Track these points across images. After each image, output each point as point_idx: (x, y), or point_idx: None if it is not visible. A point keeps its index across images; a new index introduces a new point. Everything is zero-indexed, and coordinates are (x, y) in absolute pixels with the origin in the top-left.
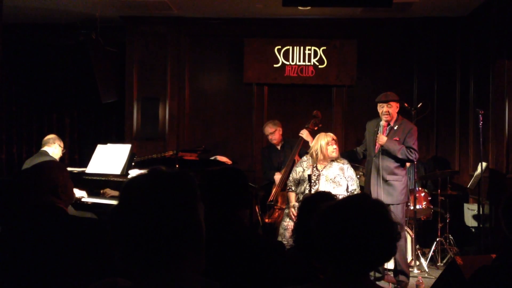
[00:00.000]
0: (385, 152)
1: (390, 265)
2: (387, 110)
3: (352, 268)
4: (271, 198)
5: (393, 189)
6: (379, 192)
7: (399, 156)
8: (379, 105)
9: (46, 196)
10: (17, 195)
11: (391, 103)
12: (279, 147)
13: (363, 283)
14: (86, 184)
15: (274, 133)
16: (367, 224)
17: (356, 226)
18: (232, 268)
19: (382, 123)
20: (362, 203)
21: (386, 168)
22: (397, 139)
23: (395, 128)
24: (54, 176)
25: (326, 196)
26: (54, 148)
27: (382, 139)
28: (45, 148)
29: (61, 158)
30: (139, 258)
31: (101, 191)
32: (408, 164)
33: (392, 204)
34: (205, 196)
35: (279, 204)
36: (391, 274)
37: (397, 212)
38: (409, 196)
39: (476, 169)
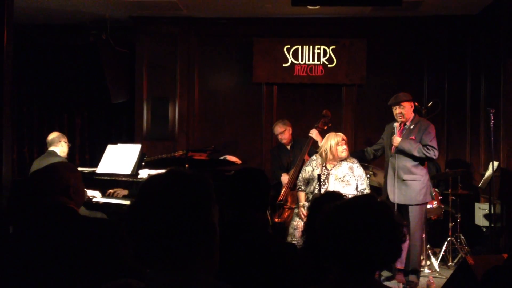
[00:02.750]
0: (401, 151)
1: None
2: (400, 111)
3: (356, 269)
4: (280, 197)
5: (410, 189)
6: (395, 192)
7: (416, 154)
8: (392, 107)
9: (57, 196)
10: (29, 195)
11: (403, 104)
12: (288, 147)
13: (369, 284)
14: (96, 184)
15: (284, 132)
16: (371, 225)
17: (360, 227)
18: (245, 270)
19: (396, 124)
20: (366, 204)
21: (403, 168)
22: (413, 138)
23: (411, 127)
24: (66, 177)
25: (335, 196)
26: (60, 146)
27: (396, 140)
28: (52, 148)
29: (69, 155)
30: (152, 257)
31: (110, 191)
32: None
33: (410, 205)
34: (222, 196)
35: (288, 204)
36: (401, 274)
37: (414, 213)
38: (433, 196)
39: (487, 168)
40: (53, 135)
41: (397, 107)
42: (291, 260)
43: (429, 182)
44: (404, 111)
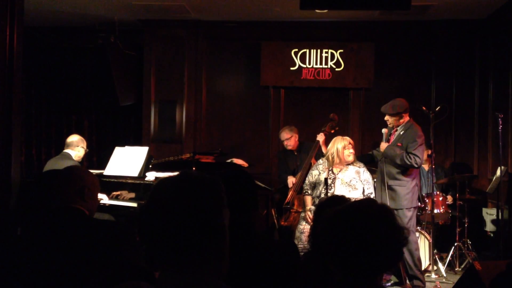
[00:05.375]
0: (387, 158)
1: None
2: (386, 118)
3: (358, 272)
4: (287, 201)
5: (396, 194)
6: (383, 196)
7: (398, 162)
8: None
9: (70, 197)
10: (42, 195)
11: (387, 115)
12: (295, 152)
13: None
14: (104, 186)
15: (290, 139)
16: (372, 229)
17: (360, 231)
18: (246, 273)
19: (384, 130)
20: (367, 208)
21: (389, 174)
22: (400, 144)
23: (401, 133)
24: (83, 179)
25: (340, 200)
26: (77, 151)
27: (382, 146)
28: (67, 150)
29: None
30: (163, 258)
31: (114, 193)
32: (421, 167)
33: (396, 209)
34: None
35: (295, 207)
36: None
37: (401, 218)
38: (421, 202)
39: (495, 173)
40: (72, 138)
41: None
42: (289, 259)
43: (415, 188)
44: (391, 120)
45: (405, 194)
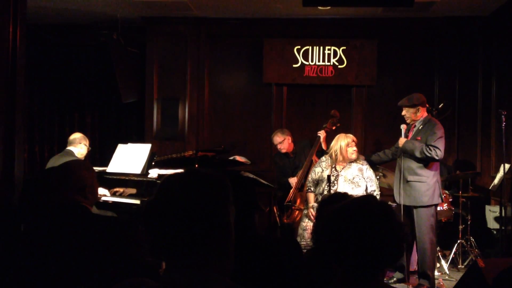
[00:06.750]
0: (406, 152)
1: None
2: (403, 114)
3: (359, 269)
4: (288, 198)
5: (414, 191)
6: (400, 193)
7: (418, 155)
8: None
9: (73, 194)
10: (44, 192)
11: (404, 108)
12: (291, 154)
13: (373, 284)
14: (106, 183)
15: (283, 142)
16: (372, 225)
17: (360, 227)
18: (249, 272)
19: (403, 126)
20: (367, 204)
21: (408, 169)
22: (419, 138)
23: (420, 127)
24: (83, 176)
25: (343, 197)
26: (79, 148)
27: (400, 141)
28: (70, 148)
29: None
30: (168, 254)
31: (113, 190)
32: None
33: (415, 207)
34: None
35: (297, 205)
36: (415, 276)
37: (419, 215)
38: (442, 198)
39: (498, 170)
40: (75, 136)
41: (403, 108)
42: (293, 259)
43: (436, 184)
44: (408, 114)
45: (425, 191)
